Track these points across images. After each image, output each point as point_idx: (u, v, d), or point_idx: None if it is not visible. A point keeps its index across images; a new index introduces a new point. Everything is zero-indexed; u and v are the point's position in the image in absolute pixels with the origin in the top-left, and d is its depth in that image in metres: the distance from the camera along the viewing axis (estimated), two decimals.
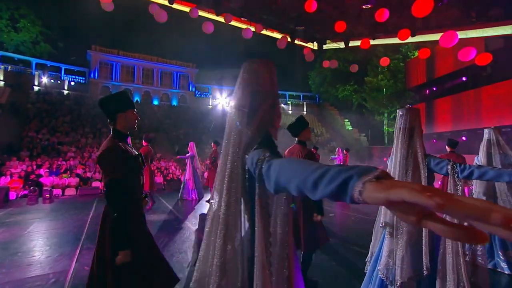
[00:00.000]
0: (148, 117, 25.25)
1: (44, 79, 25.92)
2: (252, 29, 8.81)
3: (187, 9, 8.16)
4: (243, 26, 9.09)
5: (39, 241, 4.67)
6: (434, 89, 17.22)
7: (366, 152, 24.78)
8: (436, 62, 16.41)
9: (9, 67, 24.97)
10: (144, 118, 24.86)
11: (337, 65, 12.09)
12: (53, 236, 4.92)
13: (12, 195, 9.19)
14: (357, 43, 10.74)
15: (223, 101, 31.79)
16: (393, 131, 2.41)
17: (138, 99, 29.19)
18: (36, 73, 25.88)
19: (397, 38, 8.66)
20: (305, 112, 35.65)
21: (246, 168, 0.92)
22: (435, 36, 9.17)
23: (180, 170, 14.21)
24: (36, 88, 25.01)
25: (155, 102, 29.93)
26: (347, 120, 31.41)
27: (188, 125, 24.56)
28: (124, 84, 29.16)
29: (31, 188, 8.54)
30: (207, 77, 34.49)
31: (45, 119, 18.21)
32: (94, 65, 28.08)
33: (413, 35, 9.20)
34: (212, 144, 8.59)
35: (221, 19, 8.28)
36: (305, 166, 0.61)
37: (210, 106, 32.01)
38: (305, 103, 36.37)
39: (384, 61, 10.62)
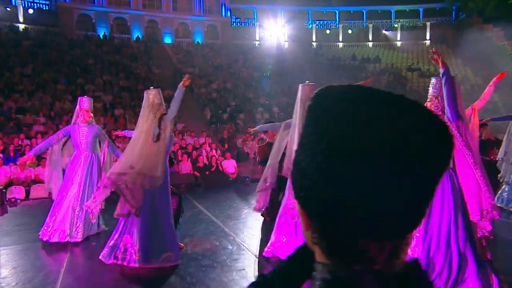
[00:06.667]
0: (157, 65, 15.14)
1: None
2: None
3: None
4: None
5: None
6: None
7: None
8: None
9: None
10: (146, 66, 14.60)
11: None
12: None
13: None
14: None
15: (278, 31, 19.44)
16: None
17: (139, 35, 18.19)
18: None
19: None
20: (428, 41, 21.70)
21: None
22: None
23: (220, 151, 9.49)
24: None
25: (167, 40, 19.01)
26: None
27: (222, 75, 14.18)
28: (116, 9, 18.41)
29: None
30: None
31: None
32: None
33: None
34: None
35: None
36: None
37: (257, 42, 20.12)
38: (428, 23, 22.46)
39: None
